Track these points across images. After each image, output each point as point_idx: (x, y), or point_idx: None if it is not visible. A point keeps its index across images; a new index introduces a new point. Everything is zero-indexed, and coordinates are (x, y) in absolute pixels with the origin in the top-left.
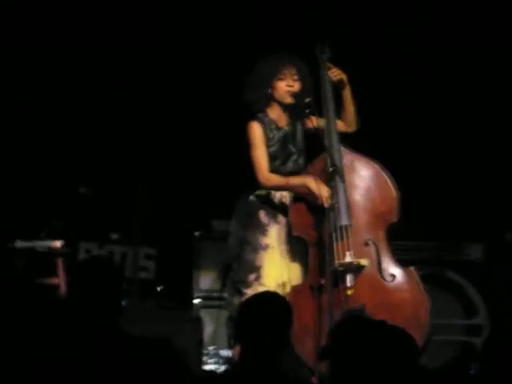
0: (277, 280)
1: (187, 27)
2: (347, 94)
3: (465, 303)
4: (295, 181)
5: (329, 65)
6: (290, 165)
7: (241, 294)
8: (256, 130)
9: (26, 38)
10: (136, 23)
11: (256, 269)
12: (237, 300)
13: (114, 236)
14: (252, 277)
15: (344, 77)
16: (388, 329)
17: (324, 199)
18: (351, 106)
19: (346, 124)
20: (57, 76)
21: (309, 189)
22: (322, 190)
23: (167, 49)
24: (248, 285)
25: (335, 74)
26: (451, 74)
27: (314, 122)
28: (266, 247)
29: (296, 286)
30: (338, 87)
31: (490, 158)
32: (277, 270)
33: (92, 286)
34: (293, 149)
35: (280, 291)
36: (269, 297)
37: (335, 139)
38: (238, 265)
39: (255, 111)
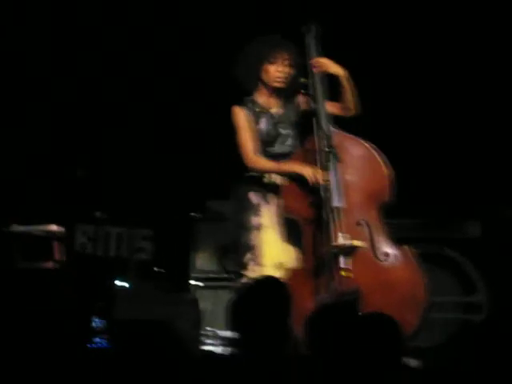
0: (273, 260)
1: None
2: (341, 81)
3: (463, 281)
4: (285, 167)
5: (315, 54)
6: (278, 146)
7: (240, 275)
8: (239, 114)
9: None
10: None
11: (251, 249)
12: (238, 282)
13: (99, 214)
14: (248, 257)
15: (327, 69)
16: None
17: (317, 181)
18: (347, 94)
19: (344, 109)
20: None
21: (301, 175)
22: (314, 173)
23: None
24: (245, 266)
25: (316, 65)
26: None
27: (309, 102)
28: (259, 227)
29: (291, 270)
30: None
31: (486, 132)
32: (273, 250)
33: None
34: (282, 131)
35: (277, 271)
36: (267, 284)
37: (325, 121)
38: (235, 247)
39: (244, 90)
